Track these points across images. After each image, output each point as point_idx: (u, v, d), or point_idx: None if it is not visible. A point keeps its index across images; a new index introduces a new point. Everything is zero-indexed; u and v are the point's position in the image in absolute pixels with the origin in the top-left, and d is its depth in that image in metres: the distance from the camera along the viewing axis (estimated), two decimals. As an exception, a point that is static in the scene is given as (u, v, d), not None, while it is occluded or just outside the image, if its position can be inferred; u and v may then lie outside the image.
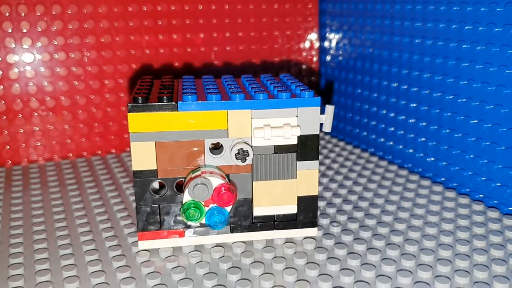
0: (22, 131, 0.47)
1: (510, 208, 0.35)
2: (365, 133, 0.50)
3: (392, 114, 0.46)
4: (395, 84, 0.45)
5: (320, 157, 0.47)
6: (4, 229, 0.34)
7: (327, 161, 0.46)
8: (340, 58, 0.53)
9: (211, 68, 0.52)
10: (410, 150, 0.44)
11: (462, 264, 0.29)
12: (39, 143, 0.48)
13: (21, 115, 0.47)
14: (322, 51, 0.56)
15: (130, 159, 0.47)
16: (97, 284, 0.27)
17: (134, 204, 0.36)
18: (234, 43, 0.53)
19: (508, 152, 0.35)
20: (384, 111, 0.47)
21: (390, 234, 0.32)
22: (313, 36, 0.56)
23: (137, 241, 0.31)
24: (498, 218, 0.34)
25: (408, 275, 0.27)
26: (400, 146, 0.45)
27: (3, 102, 0.46)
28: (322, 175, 0.42)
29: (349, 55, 0.51)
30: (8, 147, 0.47)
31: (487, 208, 0.36)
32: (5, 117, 0.46)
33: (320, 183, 0.40)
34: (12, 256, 0.30)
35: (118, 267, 0.29)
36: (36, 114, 0.47)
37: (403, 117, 0.44)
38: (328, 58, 0.55)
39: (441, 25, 0.39)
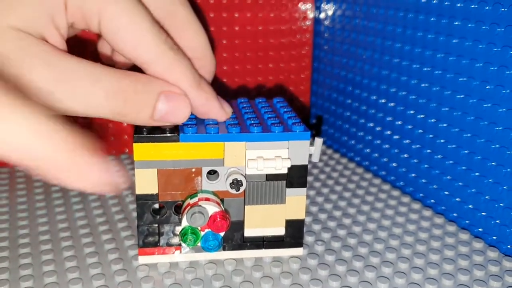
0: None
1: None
2: (352, 142, 0.53)
3: (379, 128, 0.49)
4: (387, 88, 0.48)
5: (308, 166, 0.50)
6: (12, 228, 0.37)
7: (315, 171, 0.49)
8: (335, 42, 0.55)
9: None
10: (394, 164, 0.47)
11: (447, 282, 0.32)
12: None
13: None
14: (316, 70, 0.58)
15: (129, 162, 0.50)
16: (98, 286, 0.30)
17: (134, 214, 0.39)
18: (229, 62, 0.55)
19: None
20: (372, 124, 0.49)
21: (369, 255, 0.35)
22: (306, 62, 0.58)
23: (137, 255, 0.34)
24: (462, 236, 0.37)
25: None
26: (385, 159, 0.48)
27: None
28: (310, 186, 0.45)
29: (340, 73, 0.54)
30: (12, 147, 0.49)
31: (446, 222, 0.39)
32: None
33: (307, 196, 0.43)
34: (21, 268, 0.33)
35: (120, 282, 0.32)
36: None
37: (389, 132, 0.47)
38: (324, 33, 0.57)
39: (441, 38, 0.41)
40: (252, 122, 0.33)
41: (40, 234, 0.37)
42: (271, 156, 0.32)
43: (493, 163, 0.37)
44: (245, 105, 0.37)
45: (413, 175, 0.45)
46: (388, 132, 0.47)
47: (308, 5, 0.56)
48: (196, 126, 0.32)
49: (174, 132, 0.31)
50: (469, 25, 0.38)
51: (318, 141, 0.34)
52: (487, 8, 0.36)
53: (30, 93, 0.26)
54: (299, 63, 0.58)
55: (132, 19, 0.29)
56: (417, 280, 0.33)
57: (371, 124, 0.49)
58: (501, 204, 0.36)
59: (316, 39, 0.57)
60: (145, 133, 0.31)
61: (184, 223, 0.31)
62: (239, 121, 0.33)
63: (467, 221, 0.39)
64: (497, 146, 0.36)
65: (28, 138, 0.22)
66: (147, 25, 0.29)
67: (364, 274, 0.33)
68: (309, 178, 0.47)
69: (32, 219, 0.39)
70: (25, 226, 0.38)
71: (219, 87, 0.54)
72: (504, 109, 0.36)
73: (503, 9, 0.35)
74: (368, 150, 0.50)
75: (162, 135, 0.31)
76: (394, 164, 0.47)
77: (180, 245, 0.33)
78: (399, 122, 0.46)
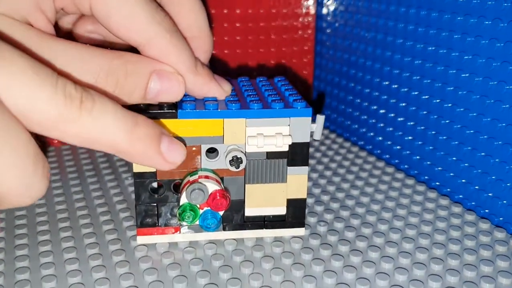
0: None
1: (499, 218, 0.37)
2: (355, 126, 0.52)
3: (382, 111, 0.48)
4: (387, 83, 0.47)
5: (311, 149, 0.49)
6: (8, 217, 0.36)
7: (318, 154, 0.48)
8: (334, 63, 0.54)
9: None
10: (398, 147, 0.46)
11: (453, 262, 0.31)
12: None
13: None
14: (319, 53, 0.58)
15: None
16: (94, 267, 0.30)
17: (133, 196, 0.39)
18: (231, 45, 0.54)
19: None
20: (375, 107, 0.49)
21: (373, 235, 0.34)
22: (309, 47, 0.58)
23: (136, 235, 0.33)
24: (474, 221, 0.37)
25: (386, 277, 0.30)
26: (389, 142, 0.47)
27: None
28: (312, 169, 0.44)
29: (342, 61, 0.53)
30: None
31: (451, 203, 0.38)
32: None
33: (310, 179, 0.42)
34: (17, 248, 0.32)
35: (118, 262, 0.31)
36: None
37: (392, 115, 0.46)
38: (326, 32, 0.56)
39: (443, 34, 0.40)
40: (252, 98, 0.32)
41: (38, 215, 0.36)
42: (272, 133, 0.32)
43: (499, 142, 0.36)
44: (245, 83, 0.36)
45: (417, 157, 0.44)
46: (392, 115, 0.46)
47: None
48: (195, 103, 0.31)
49: (172, 108, 0.30)
50: (471, 20, 0.37)
51: (320, 118, 0.33)
52: (489, 3, 0.36)
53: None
54: (302, 47, 0.57)
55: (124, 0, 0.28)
56: (422, 259, 0.32)
57: (374, 107, 0.49)
58: (508, 184, 0.36)
59: (319, 22, 0.56)
60: (142, 108, 0.30)
61: (183, 200, 0.31)
62: (239, 98, 0.33)
63: (473, 203, 0.39)
64: (503, 124, 0.36)
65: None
66: (141, 5, 0.28)
67: (368, 254, 0.32)
68: (312, 161, 0.46)
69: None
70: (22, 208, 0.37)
71: (220, 69, 0.53)
72: (510, 86, 0.35)
73: (506, 4, 0.35)
74: (371, 134, 0.49)
75: (159, 111, 0.30)
76: (398, 147, 0.46)
77: (180, 225, 0.33)
78: (403, 104, 0.45)
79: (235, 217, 0.33)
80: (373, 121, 0.49)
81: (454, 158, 0.40)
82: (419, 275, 0.31)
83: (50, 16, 0.28)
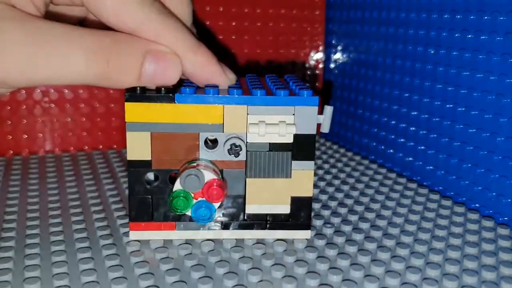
0: (25, 121, 0.47)
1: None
2: (366, 140, 0.50)
3: (393, 122, 0.46)
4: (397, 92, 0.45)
5: (319, 161, 0.47)
6: (-1, 215, 0.34)
7: (326, 166, 0.46)
8: (344, 64, 0.53)
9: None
10: (411, 159, 0.44)
11: (452, 269, 0.29)
12: (41, 135, 0.48)
13: (24, 106, 0.47)
14: (328, 57, 0.56)
15: (116, 156, 0.47)
16: (84, 270, 0.27)
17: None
18: (239, 45, 0.53)
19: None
20: (386, 119, 0.47)
21: (383, 237, 0.32)
22: (319, 55, 0.57)
23: (129, 231, 0.31)
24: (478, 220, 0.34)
25: (396, 276, 0.27)
26: (400, 154, 0.45)
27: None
28: (320, 178, 0.42)
29: (353, 61, 0.51)
30: (10, 137, 0.47)
31: (454, 204, 0.36)
32: (9, 107, 0.47)
33: (317, 187, 0.40)
34: (3, 240, 0.30)
35: (107, 255, 0.29)
36: (39, 105, 0.47)
37: (404, 125, 0.44)
38: (333, 65, 0.55)
39: (441, 51, 0.39)
40: (256, 86, 0.31)
41: (29, 212, 0.35)
42: (275, 121, 0.30)
43: (502, 138, 0.35)
44: (252, 78, 0.35)
45: (430, 167, 0.42)
46: (403, 125, 0.44)
47: None
48: (195, 87, 0.30)
49: (170, 92, 0.29)
50: (471, 17, 0.36)
51: (328, 108, 0.31)
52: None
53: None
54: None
55: None
56: (436, 261, 0.29)
57: (385, 119, 0.47)
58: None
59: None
60: (138, 91, 0.29)
61: (177, 186, 0.28)
62: (242, 86, 0.31)
63: (477, 204, 0.37)
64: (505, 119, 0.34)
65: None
66: None
67: (377, 255, 0.30)
68: (320, 171, 0.44)
69: (22, 201, 0.37)
70: (14, 197, 0.36)
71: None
72: (510, 80, 0.34)
73: None
74: (382, 147, 0.48)
75: (156, 94, 0.29)
76: (410, 159, 0.44)
77: (175, 221, 0.31)
78: (415, 113, 0.43)
79: (235, 214, 0.31)
80: (384, 133, 0.47)
81: (469, 165, 0.38)
82: (434, 275, 0.28)
83: (39, 5, 0.27)
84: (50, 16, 0.28)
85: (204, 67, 0.29)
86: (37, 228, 0.32)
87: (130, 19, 0.27)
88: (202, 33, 0.51)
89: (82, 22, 0.32)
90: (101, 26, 0.28)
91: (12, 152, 0.47)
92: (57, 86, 0.47)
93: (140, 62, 0.27)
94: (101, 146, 0.50)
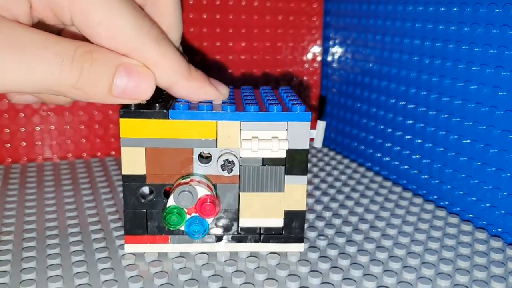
0: (23, 130, 0.48)
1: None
2: (362, 147, 0.50)
3: (389, 130, 0.46)
4: (393, 101, 0.45)
5: (315, 169, 0.47)
6: (-4, 226, 0.35)
7: (322, 174, 0.46)
8: (342, 71, 0.53)
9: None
10: (406, 167, 0.44)
11: (444, 283, 0.29)
12: (39, 143, 0.48)
13: (23, 114, 0.47)
14: (325, 63, 0.56)
15: (115, 164, 0.48)
16: (80, 284, 0.28)
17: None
18: (236, 52, 0.53)
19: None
20: (382, 126, 0.47)
21: (376, 250, 0.32)
22: (316, 49, 0.57)
23: (124, 244, 0.31)
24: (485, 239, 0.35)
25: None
26: (396, 162, 0.45)
27: (6, 100, 0.47)
28: (315, 187, 0.43)
29: (351, 69, 0.52)
30: (9, 145, 0.48)
31: (460, 221, 0.36)
32: (7, 116, 0.47)
33: (312, 196, 0.41)
34: (1, 253, 0.31)
35: (102, 269, 0.29)
36: (37, 114, 0.48)
37: (400, 133, 0.45)
38: (330, 71, 0.55)
39: (437, 44, 0.39)
40: (249, 102, 0.31)
41: (26, 223, 0.35)
42: (268, 137, 0.30)
43: (495, 150, 0.35)
44: (246, 91, 0.35)
45: (425, 176, 0.42)
46: (399, 133, 0.45)
47: None
48: (189, 103, 0.30)
49: (163, 108, 0.29)
50: (468, 9, 0.36)
51: (321, 124, 0.31)
52: (497, 10, 0.35)
53: None
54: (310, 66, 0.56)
55: (107, 11, 0.26)
56: (428, 275, 0.30)
57: (381, 127, 0.47)
58: (504, 193, 0.35)
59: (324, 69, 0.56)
60: (132, 108, 0.29)
61: (171, 202, 0.29)
62: (236, 102, 0.31)
63: (470, 215, 0.38)
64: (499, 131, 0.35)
65: None
66: (126, 16, 0.26)
67: (369, 269, 0.30)
68: (315, 180, 0.44)
69: (19, 211, 0.37)
70: (12, 208, 0.36)
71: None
72: (504, 92, 0.34)
73: None
74: (378, 154, 0.48)
75: (150, 110, 0.29)
76: (406, 167, 0.44)
77: (169, 234, 0.31)
78: (410, 121, 0.43)
79: (228, 227, 0.31)
80: (380, 141, 0.47)
81: (463, 175, 0.38)
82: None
83: (24, 22, 0.26)
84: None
85: (198, 90, 0.30)
86: (34, 240, 0.33)
87: (124, 47, 0.27)
88: (198, 26, 0.51)
89: (60, 33, 0.31)
90: (79, 38, 0.27)
91: (10, 160, 0.48)
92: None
93: (113, 73, 0.27)
94: (99, 153, 0.50)
